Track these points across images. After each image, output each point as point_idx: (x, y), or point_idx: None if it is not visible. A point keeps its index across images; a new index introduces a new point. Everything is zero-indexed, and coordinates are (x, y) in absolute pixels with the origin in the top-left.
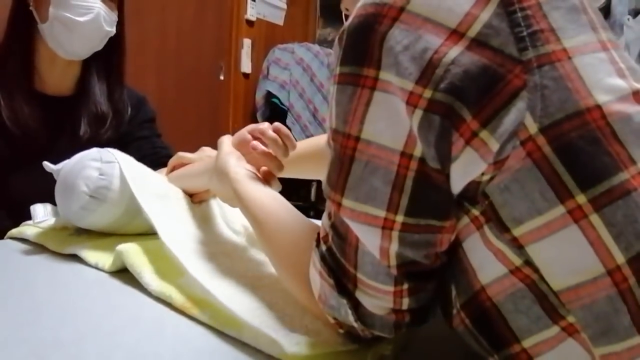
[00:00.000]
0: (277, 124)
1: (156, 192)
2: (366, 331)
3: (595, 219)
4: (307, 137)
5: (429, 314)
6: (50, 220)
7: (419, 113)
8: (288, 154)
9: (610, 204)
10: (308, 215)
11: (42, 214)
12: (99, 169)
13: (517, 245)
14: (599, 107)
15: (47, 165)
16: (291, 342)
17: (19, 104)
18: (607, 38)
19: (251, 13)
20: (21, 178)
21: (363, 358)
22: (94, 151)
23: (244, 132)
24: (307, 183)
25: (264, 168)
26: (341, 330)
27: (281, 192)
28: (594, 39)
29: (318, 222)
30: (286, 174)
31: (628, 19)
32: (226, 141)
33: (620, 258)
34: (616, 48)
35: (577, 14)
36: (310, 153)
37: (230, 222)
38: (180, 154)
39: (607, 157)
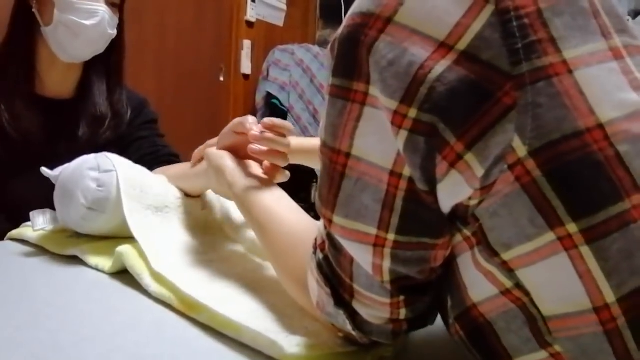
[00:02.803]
0: (267, 119)
1: (154, 204)
2: (364, 338)
3: (585, 251)
4: (307, 138)
5: (427, 321)
6: (49, 228)
7: (403, 134)
8: (289, 144)
9: (605, 237)
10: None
11: (41, 221)
12: (96, 180)
13: (507, 269)
14: (601, 126)
15: (45, 171)
16: (291, 344)
17: (20, 108)
18: (624, 44)
19: (251, 14)
20: (21, 182)
21: (363, 359)
22: (92, 158)
23: (228, 130)
24: (307, 185)
25: (266, 163)
26: (340, 334)
27: None
28: (603, 47)
29: (320, 223)
30: (295, 161)
31: (628, 20)
32: (212, 149)
33: (610, 296)
34: (634, 54)
35: (585, 19)
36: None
37: (229, 229)
38: (209, 142)
39: (608, 183)
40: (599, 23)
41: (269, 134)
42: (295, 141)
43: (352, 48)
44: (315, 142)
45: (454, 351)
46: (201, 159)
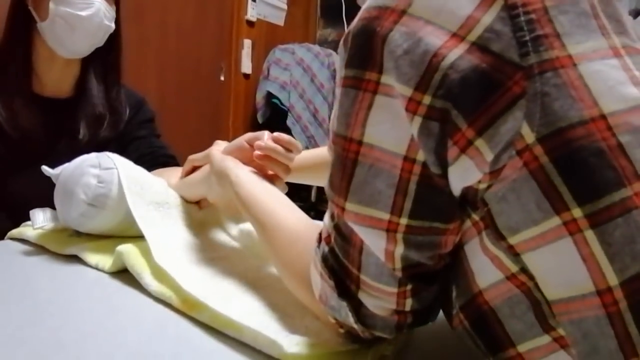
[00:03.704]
0: (276, 133)
1: (155, 200)
2: (366, 332)
3: (590, 235)
4: (308, 137)
5: (430, 315)
6: (49, 226)
7: (418, 120)
8: (293, 159)
9: (608, 222)
10: (308, 216)
11: (41, 219)
12: (97, 176)
13: (513, 253)
14: (604, 117)
15: (46, 169)
16: (291, 343)
17: (18, 107)
18: (622, 44)
19: (251, 13)
20: (21, 180)
21: (363, 358)
22: (93, 156)
23: (242, 140)
24: (307, 184)
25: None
26: (341, 330)
27: None
28: (604, 45)
29: (319, 223)
30: (292, 180)
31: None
32: (216, 150)
33: (613, 279)
34: (632, 54)
35: (587, 19)
36: (316, 163)
37: (228, 227)
38: (190, 157)
39: (611, 171)
40: (598, 24)
41: (274, 144)
42: (298, 158)
43: (367, 39)
44: (315, 153)
45: (454, 350)
46: (192, 168)
